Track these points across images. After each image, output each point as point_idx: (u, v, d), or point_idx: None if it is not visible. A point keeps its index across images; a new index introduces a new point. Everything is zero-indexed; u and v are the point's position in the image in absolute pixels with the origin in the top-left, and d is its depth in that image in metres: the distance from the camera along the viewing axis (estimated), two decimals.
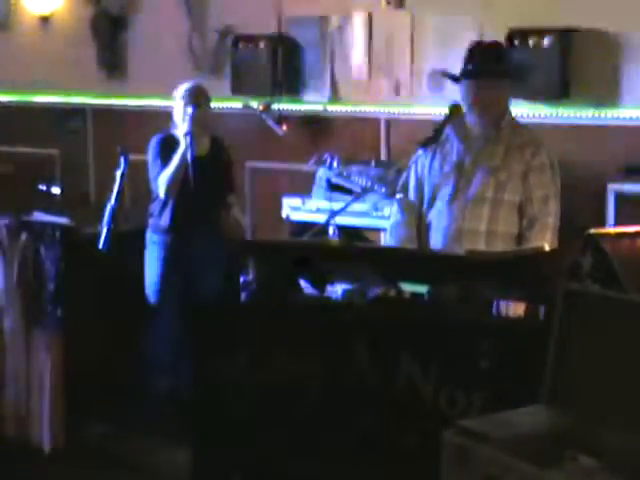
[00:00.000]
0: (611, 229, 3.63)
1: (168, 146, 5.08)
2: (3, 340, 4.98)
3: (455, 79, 4.19)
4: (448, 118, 4.09)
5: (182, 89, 5.14)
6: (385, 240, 4.71)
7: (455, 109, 4.10)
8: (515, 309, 3.48)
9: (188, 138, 4.99)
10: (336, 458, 3.48)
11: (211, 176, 5.10)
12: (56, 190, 5.76)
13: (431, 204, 4.11)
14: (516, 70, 4.42)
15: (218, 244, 5.05)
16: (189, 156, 4.97)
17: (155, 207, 5.18)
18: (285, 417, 3.60)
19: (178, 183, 5.03)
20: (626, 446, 2.54)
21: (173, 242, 5.13)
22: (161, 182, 5.06)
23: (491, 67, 4.05)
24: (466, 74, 4.10)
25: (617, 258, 3.40)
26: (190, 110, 5.04)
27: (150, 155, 5.14)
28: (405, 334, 3.40)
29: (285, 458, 3.60)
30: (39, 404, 4.90)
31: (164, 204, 5.15)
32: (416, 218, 4.16)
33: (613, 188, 5.20)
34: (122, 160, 5.02)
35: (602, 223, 4.99)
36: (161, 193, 5.08)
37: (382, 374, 3.41)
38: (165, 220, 5.14)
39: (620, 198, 5.19)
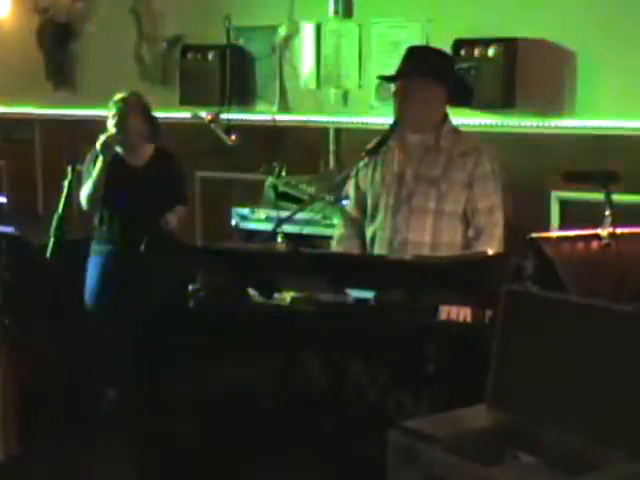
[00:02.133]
0: (552, 233, 3.67)
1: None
2: None
3: (386, 79, 4.17)
4: (392, 128, 4.01)
5: (111, 99, 5.15)
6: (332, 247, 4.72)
7: (398, 118, 4.00)
8: (460, 313, 3.45)
9: (102, 150, 5.01)
10: (287, 463, 3.48)
11: (150, 185, 5.10)
12: (1, 199, 5.72)
13: (374, 215, 4.06)
14: (462, 82, 4.33)
15: (162, 252, 5.00)
16: (104, 168, 4.98)
17: (97, 217, 5.19)
18: (236, 423, 3.58)
19: (99, 195, 5.04)
20: (565, 444, 2.57)
21: (112, 252, 5.14)
22: (82, 194, 5.10)
23: (413, 68, 3.95)
24: (392, 76, 4.06)
25: (559, 261, 3.46)
26: (111, 122, 5.06)
27: (84, 167, 5.16)
28: (353, 339, 3.42)
29: (236, 463, 3.58)
30: None
31: (102, 213, 5.15)
32: (359, 230, 4.13)
33: (557, 195, 5.27)
34: (69, 169, 5.00)
35: (546, 229, 5.05)
36: (83, 205, 5.11)
37: (331, 379, 3.42)
38: (104, 231, 5.16)
39: (563, 205, 5.26)
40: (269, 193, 5.57)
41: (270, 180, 5.60)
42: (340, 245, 4.19)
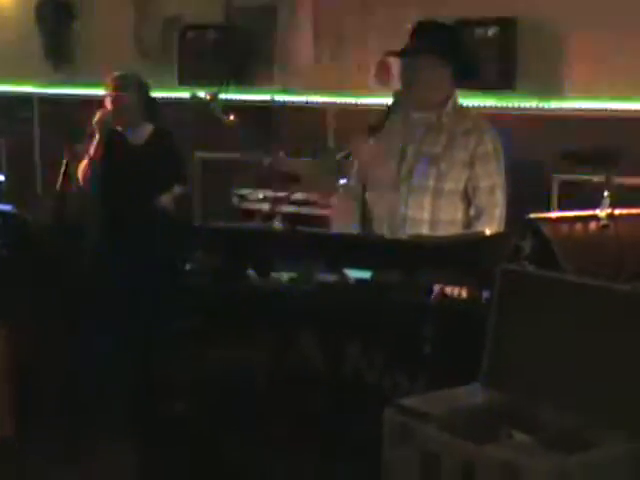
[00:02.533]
0: (551, 214, 3.66)
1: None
2: None
3: (390, 54, 4.17)
4: (393, 105, 3.99)
5: (108, 79, 5.16)
6: (331, 228, 4.71)
7: (399, 95, 3.99)
8: (458, 293, 3.46)
9: (97, 126, 5.02)
10: (284, 443, 3.49)
11: (148, 165, 5.10)
12: (0, 178, 5.72)
13: (374, 191, 4.05)
14: (468, 59, 4.30)
15: (158, 232, 5.00)
16: (100, 144, 4.99)
17: (95, 196, 5.17)
18: (232, 403, 3.59)
19: (96, 172, 5.05)
20: (559, 422, 2.58)
21: (110, 231, 5.14)
22: (79, 171, 5.10)
23: (420, 45, 3.91)
24: (397, 52, 4.03)
25: (557, 241, 3.45)
26: (108, 100, 5.08)
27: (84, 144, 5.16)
28: (349, 320, 3.42)
29: (235, 444, 3.60)
30: None
31: (102, 193, 5.15)
32: (358, 204, 4.11)
33: (557, 177, 5.26)
34: (67, 148, 5.03)
35: (547, 211, 5.03)
36: (80, 182, 5.11)
37: (328, 359, 3.43)
38: (102, 208, 5.16)
39: (563, 186, 5.25)
40: (268, 173, 5.57)
41: (269, 160, 5.59)
42: (339, 216, 4.23)
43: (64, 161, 5.00)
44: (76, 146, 5.12)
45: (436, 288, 3.45)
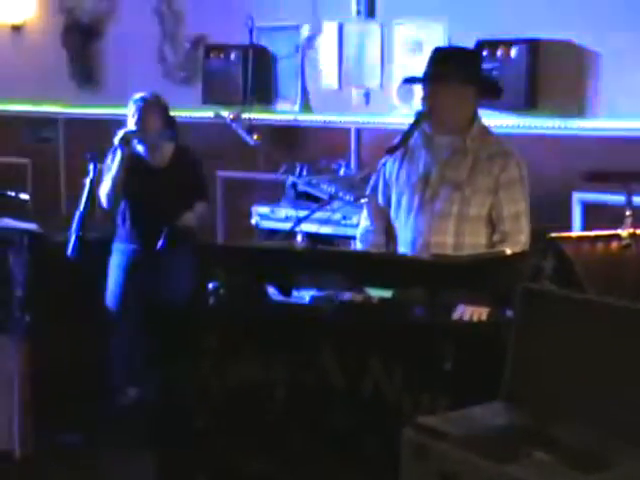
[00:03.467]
0: (572, 233, 3.64)
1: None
2: None
3: (411, 81, 4.17)
4: (414, 125, 3.97)
5: (131, 99, 5.19)
6: (354, 247, 4.66)
7: (422, 117, 3.97)
8: (475, 313, 3.49)
9: (120, 146, 5.05)
10: (302, 462, 3.48)
11: (172, 185, 5.12)
12: (25, 196, 5.76)
13: (397, 213, 4.04)
14: (490, 80, 4.29)
15: (182, 251, 5.03)
16: (122, 165, 5.02)
17: (119, 215, 5.22)
18: (252, 421, 3.59)
19: (117, 192, 5.08)
20: (580, 442, 2.56)
21: (134, 250, 5.16)
22: (101, 191, 5.13)
23: (445, 71, 3.89)
24: (420, 78, 4.03)
25: (578, 261, 3.44)
26: (131, 121, 5.12)
27: (104, 165, 5.20)
28: (371, 338, 3.41)
29: (251, 462, 3.59)
30: (7, 410, 4.82)
31: (125, 213, 5.19)
32: (384, 225, 4.10)
33: (579, 196, 5.25)
34: (91, 167, 5.05)
35: (568, 231, 5.01)
36: (102, 202, 5.14)
37: (348, 378, 3.41)
38: (126, 230, 5.19)
39: (585, 206, 5.24)
40: (290, 192, 5.58)
41: (291, 179, 5.61)
42: (365, 238, 4.15)
43: (88, 180, 5.02)
44: (99, 166, 5.14)
45: (460, 307, 3.45)
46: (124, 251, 5.20)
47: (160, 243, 4.97)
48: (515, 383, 2.80)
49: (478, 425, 2.68)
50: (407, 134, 3.97)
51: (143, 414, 4.88)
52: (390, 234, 4.10)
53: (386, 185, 4.10)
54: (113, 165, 5.06)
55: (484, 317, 3.43)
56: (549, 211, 5.02)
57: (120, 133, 5.09)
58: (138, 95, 5.19)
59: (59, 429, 4.91)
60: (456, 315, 3.49)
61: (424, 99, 3.98)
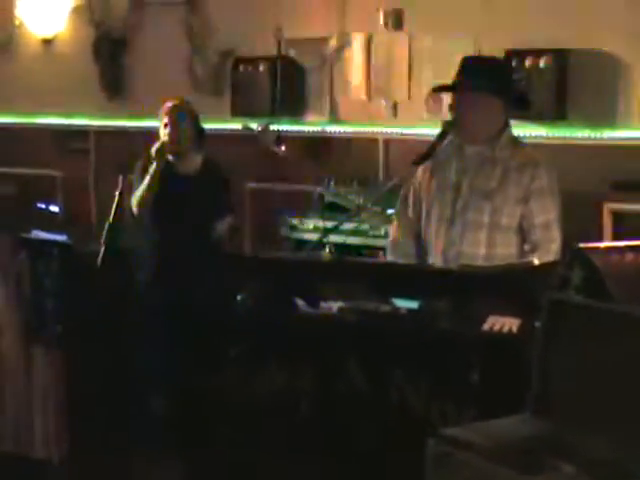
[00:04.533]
0: (600, 244, 3.62)
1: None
2: (2, 357, 4.97)
3: (440, 90, 4.19)
4: (442, 136, 3.98)
5: (162, 107, 5.20)
6: (383, 258, 4.68)
7: (450, 126, 3.98)
8: (506, 324, 3.45)
9: (156, 156, 5.08)
10: (329, 473, 3.49)
11: (200, 196, 5.13)
12: (55, 208, 5.80)
13: (427, 224, 4.04)
14: (519, 92, 4.29)
15: (209, 262, 5.01)
16: (157, 174, 5.06)
17: (146, 224, 5.24)
18: (278, 432, 3.61)
19: (149, 200, 5.10)
20: (607, 455, 2.54)
21: (161, 260, 5.17)
22: (133, 198, 5.14)
23: (474, 82, 3.91)
24: (449, 87, 4.05)
25: (607, 272, 3.40)
26: (164, 130, 5.13)
27: (135, 174, 5.22)
28: (397, 349, 3.42)
29: (277, 472, 3.61)
30: (40, 421, 4.88)
31: (154, 223, 5.20)
32: (415, 236, 4.10)
33: (609, 207, 5.22)
34: (120, 179, 5.08)
35: (598, 240, 4.97)
36: (133, 208, 5.16)
37: (375, 388, 3.43)
38: (154, 238, 5.20)
39: (616, 216, 5.21)
40: (318, 204, 5.59)
41: (319, 191, 5.62)
42: (395, 249, 4.15)
43: (117, 192, 5.05)
44: (129, 177, 5.17)
45: (491, 318, 3.44)
46: (151, 260, 5.20)
47: (192, 256, 4.99)
48: (541, 394, 2.78)
49: (504, 436, 2.66)
50: (435, 144, 3.97)
51: (173, 422, 4.91)
52: (418, 247, 4.09)
53: (416, 196, 4.10)
54: (147, 175, 5.08)
55: (515, 328, 3.42)
56: (579, 221, 4.97)
57: (156, 145, 5.11)
58: (169, 104, 5.20)
59: (93, 436, 4.92)
60: (487, 326, 3.47)
61: (453, 108, 4.00)
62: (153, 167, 5.09)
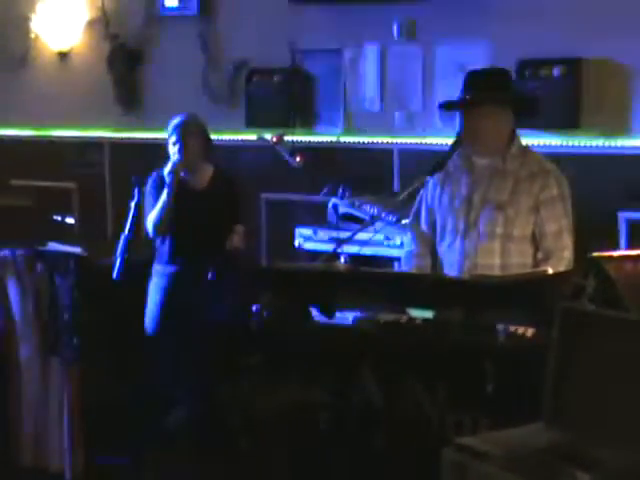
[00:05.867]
0: (614, 252, 3.63)
1: (163, 183, 5.12)
2: (20, 370, 4.99)
3: (446, 107, 4.21)
4: (453, 147, 4.02)
5: (170, 125, 5.18)
6: (398, 269, 4.72)
7: (460, 139, 4.01)
8: (520, 332, 3.45)
9: (169, 177, 5.06)
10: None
11: (212, 209, 5.12)
12: (70, 221, 5.80)
13: (442, 236, 4.06)
14: (525, 100, 4.30)
15: (223, 274, 5.02)
16: (171, 195, 5.03)
17: (158, 239, 5.21)
18: (294, 443, 3.63)
19: (166, 222, 5.07)
20: (623, 463, 2.54)
21: (173, 273, 5.15)
22: (149, 221, 5.13)
23: (478, 96, 3.92)
24: (454, 104, 4.08)
25: (621, 281, 3.40)
26: (173, 149, 5.11)
27: (146, 192, 5.19)
28: (412, 359, 3.44)
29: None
30: (57, 434, 4.90)
31: (166, 237, 5.17)
32: (430, 248, 4.12)
33: (624, 216, 5.21)
34: (136, 191, 5.08)
35: (614, 249, 4.94)
36: (150, 231, 5.15)
37: (391, 398, 3.44)
38: (165, 252, 5.18)
39: (630, 224, 5.20)
40: (332, 214, 5.58)
41: (334, 201, 5.62)
42: (410, 261, 4.17)
43: (133, 203, 5.07)
44: (142, 189, 5.16)
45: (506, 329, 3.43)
46: (163, 273, 5.19)
47: (210, 275, 4.97)
48: (556, 403, 2.79)
49: (519, 445, 2.67)
50: (446, 156, 4.01)
51: (188, 435, 4.91)
52: (434, 259, 4.11)
53: (428, 210, 4.12)
54: (162, 196, 5.06)
55: (529, 333, 3.41)
56: (594, 231, 4.95)
57: (169, 166, 5.08)
58: (176, 121, 5.17)
59: (108, 450, 4.93)
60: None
61: (460, 123, 4.00)
62: (167, 188, 5.06)
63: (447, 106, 4.29)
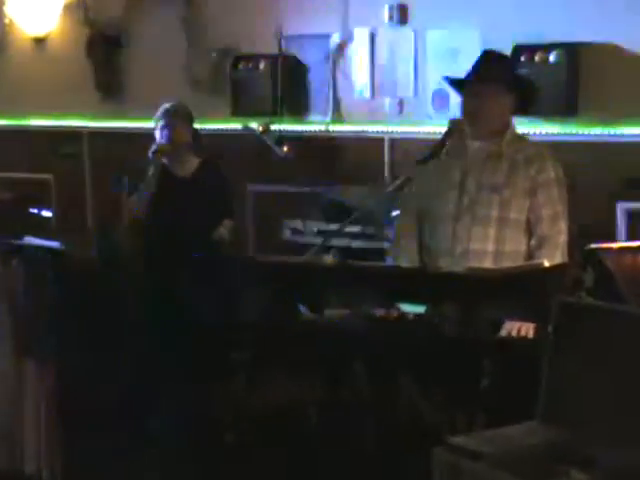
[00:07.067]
0: (613, 244, 3.59)
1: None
2: None
3: (451, 83, 4.16)
4: (447, 134, 3.98)
5: (159, 109, 5.23)
6: (387, 262, 4.67)
7: (455, 125, 4.00)
8: (522, 329, 3.46)
9: (151, 157, 5.11)
10: (334, 478, 3.49)
11: (197, 197, 5.12)
12: (47, 214, 5.74)
13: (432, 224, 4.01)
14: (525, 86, 4.25)
15: (209, 265, 4.98)
16: (154, 175, 5.08)
17: (146, 229, 5.19)
18: (284, 438, 3.63)
19: (145, 201, 5.11)
20: (618, 461, 2.48)
21: (160, 264, 5.10)
22: (130, 206, 5.15)
23: (483, 74, 3.93)
24: (460, 80, 4.05)
25: (620, 273, 3.37)
26: (160, 133, 5.16)
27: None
28: (405, 355, 3.41)
29: (284, 477, 3.65)
30: (33, 435, 4.81)
31: (152, 226, 5.15)
32: (417, 240, 4.07)
33: (622, 204, 5.13)
34: (117, 181, 5.10)
35: (612, 240, 4.88)
36: (133, 214, 5.16)
37: (382, 395, 3.43)
38: (152, 241, 5.15)
39: (629, 214, 5.12)
40: (321, 205, 5.54)
41: (322, 192, 5.57)
42: (398, 253, 4.16)
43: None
44: (124, 179, 5.14)
45: (508, 324, 3.44)
46: (150, 264, 5.15)
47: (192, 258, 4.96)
48: (551, 400, 2.75)
49: (513, 444, 2.65)
50: (439, 144, 3.98)
51: (173, 435, 4.82)
52: (422, 252, 4.08)
53: (417, 199, 4.10)
54: (147, 181, 5.12)
55: (531, 333, 3.43)
56: (592, 220, 4.94)
57: (152, 148, 5.14)
58: (165, 106, 5.22)
59: (86, 450, 4.82)
60: (504, 332, 3.49)
61: (465, 100, 4.00)
62: (151, 171, 5.11)
63: (452, 81, 4.23)
